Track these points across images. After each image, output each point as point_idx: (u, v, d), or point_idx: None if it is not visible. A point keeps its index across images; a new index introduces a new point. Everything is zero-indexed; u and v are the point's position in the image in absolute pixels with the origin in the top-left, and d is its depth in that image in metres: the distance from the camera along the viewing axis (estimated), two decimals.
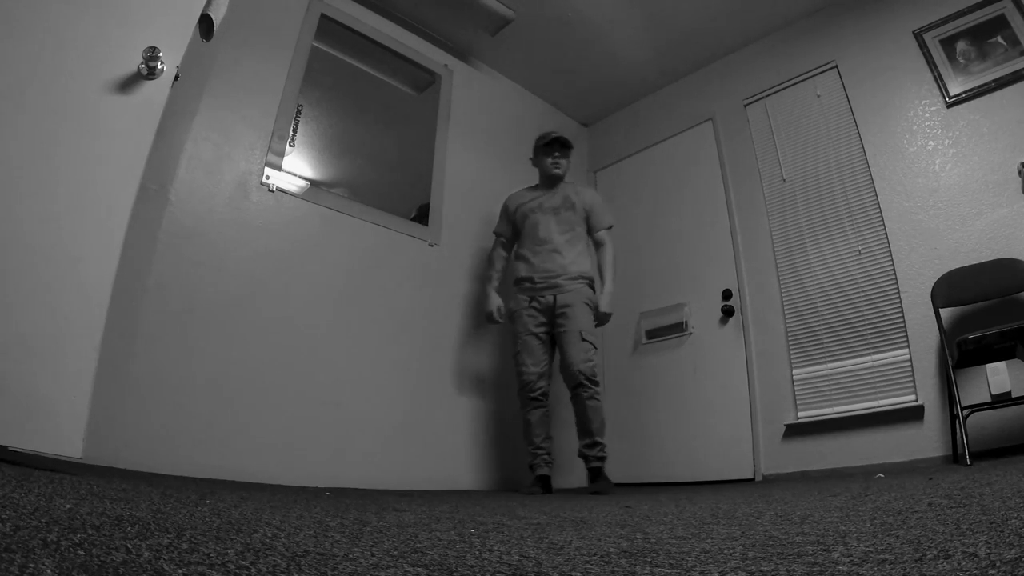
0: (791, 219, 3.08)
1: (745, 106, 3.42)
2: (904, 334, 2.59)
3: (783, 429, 2.83)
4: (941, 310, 2.42)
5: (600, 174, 4.10)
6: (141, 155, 1.55)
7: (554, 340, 2.62)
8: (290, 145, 2.61)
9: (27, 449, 1.27)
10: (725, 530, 0.90)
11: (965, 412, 2.15)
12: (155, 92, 1.58)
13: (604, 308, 2.61)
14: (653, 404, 3.32)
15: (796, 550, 0.66)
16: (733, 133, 3.43)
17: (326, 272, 2.57)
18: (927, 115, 2.75)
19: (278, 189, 2.51)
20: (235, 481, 1.97)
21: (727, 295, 3.17)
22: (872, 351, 2.67)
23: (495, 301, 2.71)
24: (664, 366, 3.34)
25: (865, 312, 2.73)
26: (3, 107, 1.37)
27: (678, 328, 3.32)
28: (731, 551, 0.69)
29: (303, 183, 2.62)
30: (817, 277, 2.92)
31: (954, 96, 2.67)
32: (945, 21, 2.75)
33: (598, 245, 2.75)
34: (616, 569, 0.59)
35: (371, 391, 2.58)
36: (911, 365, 2.54)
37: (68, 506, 0.76)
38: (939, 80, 2.72)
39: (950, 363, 2.23)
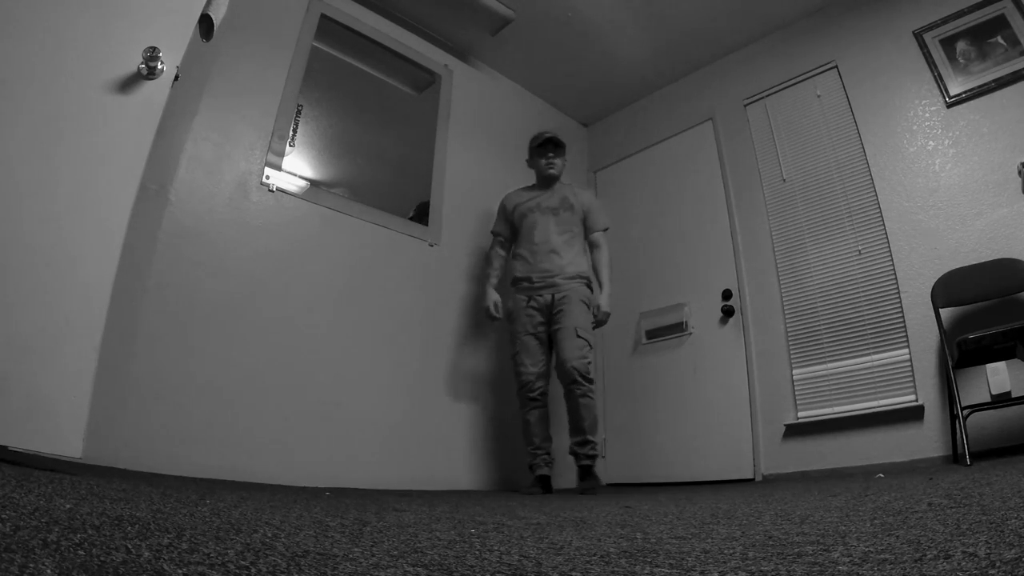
0: (791, 219, 3.08)
1: (745, 106, 3.42)
2: (904, 334, 2.59)
3: (783, 429, 2.83)
4: (941, 310, 2.42)
5: (600, 174, 4.10)
6: (141, 155, 1.55)
7: (552, 339, 2.62)
8: (290, 145, 2.61)
9: (27, 449, 1.27)
10: (725, 530, 0.90)
11: (965, 412, 2.15)
12: (155, 92, 1.58)
13: (604, 308, 2.63)
14: (653, 404, 3.32)
15: (796, 550, 0.66)
16: (733, 133, 3.43)
17: (326, 272, 2.57)
18: (927, 115, 2.75)
19: (278, 189, 2.51)
20: (235, 481, 1.97)
21: (727, 295, 3.17)
22: (872, 351, 2.67)
23: (492, 296, 2.72)
24: (664, 366, 3.34)
25: (865, 312, 2.73)
26: (3, 107, 1.37)
27: (678, 328, 3.32)
28: (731, 551, 0.69)
29: (303, 183, 2.62)
30: (817, 277, 2.92)
31: (954, 96, 2.67)
32: (945, 21, 2.75)
33: (594, 246, 2.77)
34: (616, 569, 0.59)
35: (371, 391, 2.58)
36: (911, 365, 2.54)
37: (68, 506, 0.76)
38: (939, 80, 2.72)
39: (950, 363, 2.23)
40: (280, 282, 2.41)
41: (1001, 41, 2.59)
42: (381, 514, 1.17)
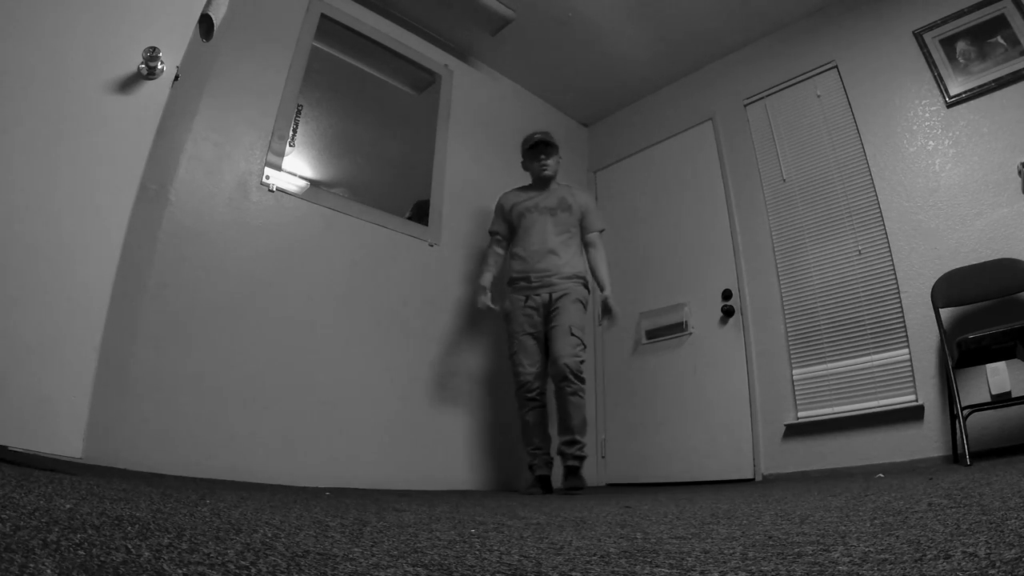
0: (791, 219, 3.08)
1: (745, 106, 3.42)
2: (904, 334, 2.59)
3: (783, 429, 2.83)
4: (941, 310, 2.42)
5: (600, 174, 4.10)
6: (141, 155, 1.55)
7: (547, 338, 2.62)
8: (290, 145, 2.61)
9: (27, 449, 1.27)
10: (725, 530, 0.90)
11: (965, 412, 2.15)
12: (155, 92, 1.58)
13: (614, 305, 2.64)
14: (653, 404, 3.32)
15: (796, 550, 0.66)
16: (733, 133, 3.43)
17: (326, 272, 2.57)
18: (927, 115, 2.75)
19: (278, 189, 2.51)
20: (235, 481, 1.98)
21: (727, 295, 3.17)
22: (872, 351, 2.67)
23: (486, 279, 2.70)
24: (664, 366, 3.34)
25: (865, 312, 2.73)
26: (3, 107, 1.37)
27: (678, 328, 3.32)
28: (731, 551, 0.69)
29: (303, 183, 2.62)
30: (817, 277, 2.92)
31: (954, 96, 2.67)
32: (945, 21, 2.75)
33: (591, 246, 2.78)
34: (616, 569, 0.59)
35: (371, 391, 2.58)
36: (911, 365, 2.54)
37: (68, 506, 0.76)
38: (939, 80, 2.72)
39: (950, 363, 2.23)
40: (280, 282, 2.41)
41: (1001, 41, 2.59)
42: (381, 514, 1.17)
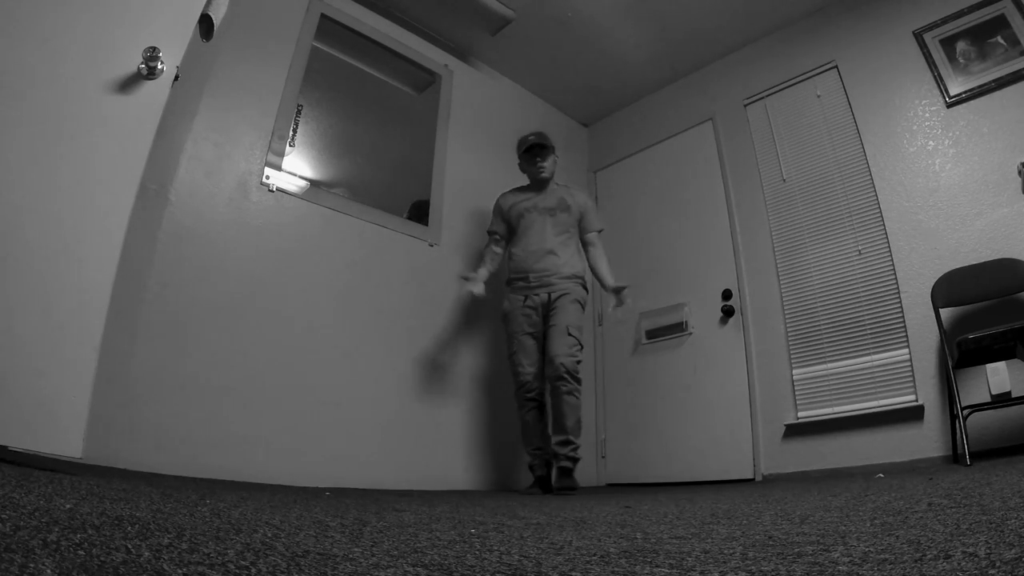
0: (791, 219, 3.08)
1: (745, 106, 3.42)
2: (904, 334, 2.59)
3: (783, 429, 2.83)
4: (941, 310, 2.42)
5: (600, 174, 4.10)
6: (141, 155, 1.55)
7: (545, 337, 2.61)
8: (290, 145, 2.61)
9: (27, 449, 1.27)
10: (725, 530, 0.90)
11: (965, 412, 2.15)
12: (155, 92, 1.58)
13: (626, 296, 2.61)
14: (653, 404, 3.32)
15: (796, 550, 0.66)
16: (733, 133, 3.43)
17: (326, 272, 2.57)
18: (927, 115, 2.75)
19: (278, 189, 2.51)
20: (235, 481, 1.98)
21: (727, 295, 3.17)
22: (872, 351, 2.67)
23: (481, 273, 2.67)
24: (664, 366, 3.34)
25: (865, 312, 2.73)
26: (3, 107, 1.37)
27: (678, 328, 3.32)
28: (731, 551, 0.69)
29: (303, 183, 2.62)
30: (817, 277, 2.92)
31: (954, 96, 2.67)
32: (945, 21, 2.75)
33: (591, 245, 2.77)
34: (616, 569, 0.59)
35: (371, 391, 2.58)
36: (911, 365, 2.54)
37: (68, 506, 0.76)
38: (939, 80, 2.72)
39: (950, 363, 2.23)
40: (280, 282, 2.41)
41: (1001, 41, 2.59)
42: (381, 514, 1.17)
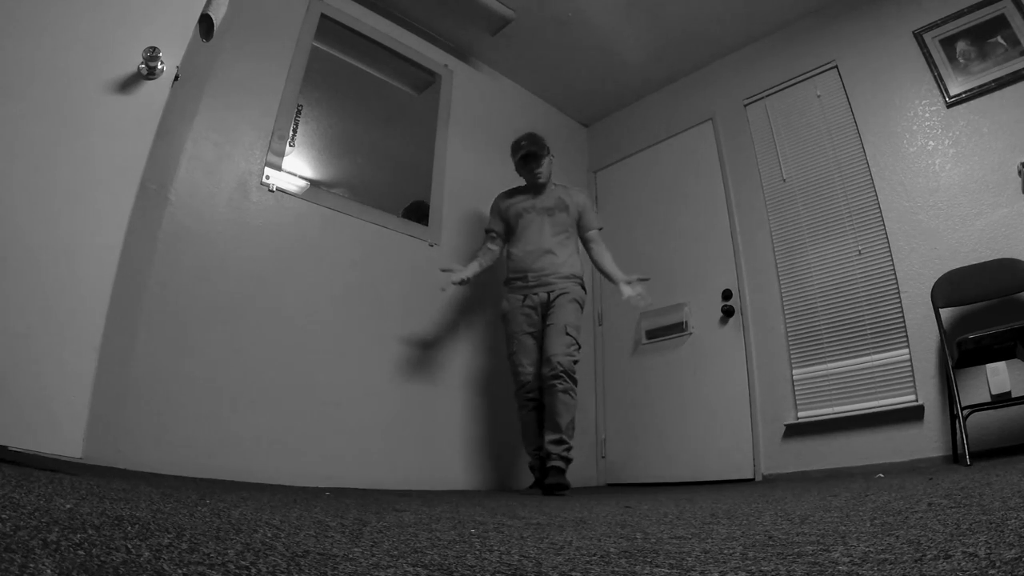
0: (791, 219, 3.08)
1: (745, 106, 3.42)
2: (904, 334, 2.59)
3: (783, 429, 2.83)
4: (941, 310, 2.42)
5: (600, 174, 4.10)
6: (141, 155, 1.55)
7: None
8: (290, 145, 2.61)
9: (27, 449, 1.27)
10: (725, 530, 0.90)
11: (965, 412, 2.15)
12: (155, 92, 1.58)
13: (637, 277, 2.58)
14: (653, 404, 3.32)
15: (796, 550, 0.66)
16: (733, 133, 3.43)
17: (326, 272, 2.57)
18: (927, 115, 2.75)
19: (278, 189, 2.51)
20: (235, 481, 1.97)
21: (727, 295, 3.17)
22: (872, 351, 2.67)
23: (471, 267, 2.64)
24: (664, 366, 3.34)
25: (865, 312, 2.73)
26: (3, 107, 1.37)
27: (678, 328, 3.32)
28: (731, 551, 0.69)
29: (303, 183, 2.62)
30: (817, 277, 2.92)
31: (954, 96, 2.67)
32: (945, 21, 2.75)
33: (591, 243, 2.75)
34: (616, 569, 0.59)
35: (371, 391, 2.58)
36: (911, 365, 2.54)
37: (68, 506, 0.76)
38: (939, 80, 2.72)
39: (950, 363, 2.23)
40: (280, 282, 2.41)
41: (1001, 41, 2.59)
42: (381, 514, 1.17)
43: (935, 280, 2.47)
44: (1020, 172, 2.40)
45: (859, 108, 2.95)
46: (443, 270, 2.61)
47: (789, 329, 2.95)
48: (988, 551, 0.55)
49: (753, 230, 3.19)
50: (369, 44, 3.11)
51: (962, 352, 2.13)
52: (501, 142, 3.49)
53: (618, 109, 4.14)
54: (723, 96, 3.53)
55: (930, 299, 2.46)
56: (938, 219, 2.60)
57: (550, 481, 2.31)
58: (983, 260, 2.41)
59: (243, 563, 0.53)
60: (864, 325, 2.72)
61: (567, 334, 2.48)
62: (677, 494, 2.04)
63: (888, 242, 2.71)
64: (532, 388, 2.54)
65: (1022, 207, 2.38)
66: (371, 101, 3.11)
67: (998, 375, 2.31)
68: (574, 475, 2.78)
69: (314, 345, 2.44)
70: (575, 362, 2.48)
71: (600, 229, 2.80)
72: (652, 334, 3.44)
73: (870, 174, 2.84)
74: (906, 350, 2.57)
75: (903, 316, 2.60)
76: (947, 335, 2.37)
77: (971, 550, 0.56)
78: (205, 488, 1.48)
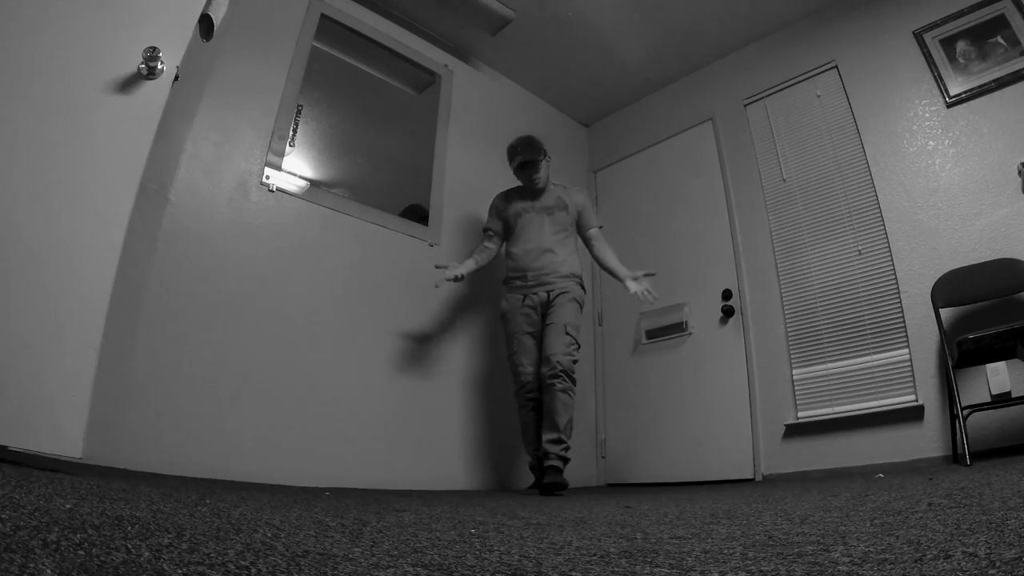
0: (791, 219, 3.08)
1: (745, 106, 3.42)
2: (904, 334, 2.59)
3: (783, 429, 2.83)
4: (941, 310, 2.42)
5: (600, 174, 4.10)
6: (141, 155, 1.55)
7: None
8: (290, 145, 2.61)
9: (27, 449, 1.27)
10: (725, 530, 0.90)
11: (965, 412, 2.15)
12: (155, 92, 1.58)
13: (641, 273, 2.59)
14: (653, 404, 3.32)
15: (796, 550, 0.66)
16: (733, 133, 3.43)
17: (326, 272, 2.57)
18: (927, 115, 2.75)
19: (278, 189, 2.51)
20: (235, 481, 1.97)
21: (727, 295, 3.17)
22: (872, 351, 2.67)
23: (467, 264, 2.63)
24: (664, 366, 3.34)
25: (865, 312, 2.73)
26: (3, 107, 1.37)
27: (678, 328, 3.32)
28: (731, 551, 0.69)
29: (303, 183, 2.62)
30: (817, 277, 2.92)
31: (954, 96, 2.67)
32: (945, 21, 2.75)
33: (592, 241, 2.75)
34: (616, 569, 0.59)
35: (371, 391, 2.58)
36: (911, 365, 2.54)
37: (68, 506, 0.76)
38: (939, 80, 2.72)
39: (950, 363, 2.23)
40: (280, 282, 2.41)
41: (1001, 41, 2.59)
42: (381, 514, 1.17)
43: (935, 280, 2.47)
44: (1020, 172, 2.40)
45: (859, 108, 2.95)
46: (438, 267, 2.61)
47: (789, 329, 2.95)
48: (988, 551, 0.55)
49: (753, 230, 3.19)
50: (369, 44, 3.11)
51: (962, 352, 2.13)
52: (501, 142, 3.48)
53: (618, 109, 4.14)
54: (723, 96, 3.53)
55: (930, 299, 2.46)
56: (938, 219, 2.60)
57: (548, 480, 2.29)
58: (983, 260, 2.41)
59: (243, 563, 0.53)
60: (864, 325, 2.72)
61: (567, 333, 2.48)
62: (677, 494, 2.04)
63: (888, 242, 2.71)
64: (532, 388, 2.54)
65: (1022, 207, 2.38)
66: (371, 101, 3.11)
67: (998, 375, 2.31)
68: (574, 475, 2.79)
69: (314, 345, 2.44)
70: (574, 361, 2.47)
71: (600, 227, 2.80)
72: (652, 334, 3.44)
73: (870, 174, 2.84)
74: (906, 350, 2.57)
75: (903, 316, 2.60)
76: (947, 335, 2.37)
77: (971, 550, 0.56)
78: (205, 488, 1.48)
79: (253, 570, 0.51)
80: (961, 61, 2.69)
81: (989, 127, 2.54)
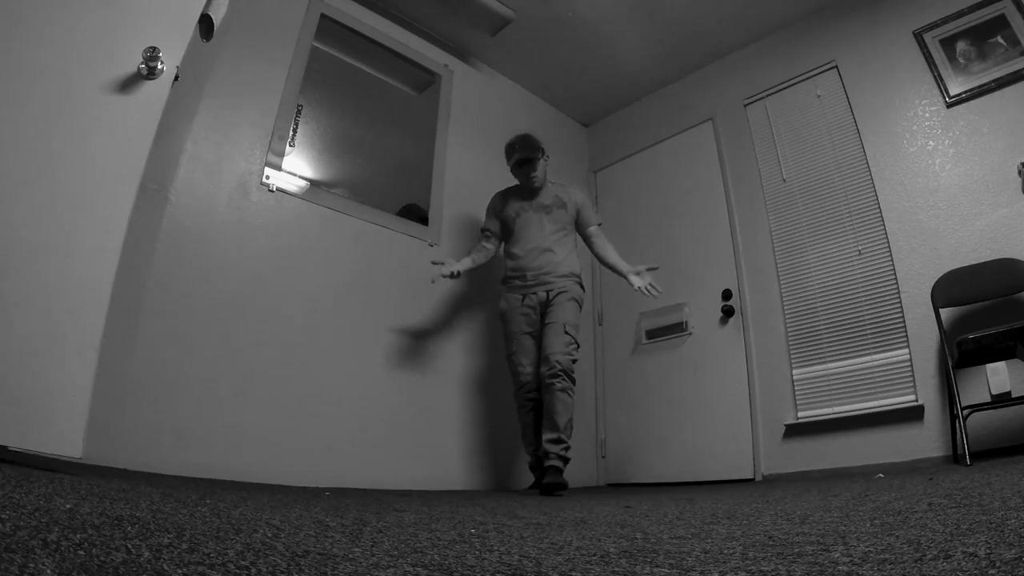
0: (791, 219, 3.08)
1: (745, 106, 3.42)
2: (904, 334, 2.59)
3: (783, 429, 2.83)
4: (941, 310, 2.42)
5: (600, 174, 4.10)
6: (141, 155, 1.55)
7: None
8: (290, 145, 2.61)
9: (27, 449, 1.27)
10: (725, 530, 0.90)
11: (965, 412, 2.15)
12: (155, 92, 1.58)
13: (644, 267, 2.59)
14: (653, 404, 3.32)
15: (796, 550, 0.66)
16: (733, 133, 3.43)
17: (326, 272, 2.57)
18: (927, 115, 2.75)
19: (278, 189, 2.51)
20: (235, 481, 1.97)
21: (727, 295, 3.17)
22: (872, 351, 2.67)
23: (464, 262, 2.62)
24: (664, 366, 3.34)
25: (865, 312, 2.73)
26: (4, 107, 1.37)
27: (678, 328, 3.32)
28: (731, 551, 0.69)
29: (303, 183, 2.62)
30: (817, 277, 2.92)
31: (954, 96, 2.67)
32: (945, 21, 2.75)
33: (593, 238, 2.73)
34: (616, 569, 0.59)
35: (371, 391, 2.58)
36: (911, 365, 2.54)
37: (68, 506, 0.76)
38: (939, 80, 2.72)
39: (950, 363, 2.23)
40: (280, 282, 2.41)
41: (1001, 41, 2.59)
42: (381, 514, 1.17)
43: (935, 280, 2.47)
44: (1020, 172, 2.40)
45: (859, 108, 2.95)
46: (434, 262, 2.61)
47: (789, 329, 2.95)
48: (988, 551, 0.55)
49: (753, 230, 3.19)
50: (369, 44, 3.11)
51: (962, 352, 2.13)
52: (501, 142, 3.47)
53: (618, 109, 4.14)
54: (723, 96, 3.53)
55: (930, 299, 2.46)
56: (938, 219, 2.60)
57: (548, 481, 2.29)
58: (983, 260, 2.41)
59: (243, 563, 0.53)
60: (864, 325, 2.72)
61: (566, 333, 2.47)
62: (677, 494, 2.04)
63: (888, 242, 2.71)
64: (531, 388, 2.54)
65: (1022, 207, 2.38)
66: (371, 101, 3.11)
67: (998, 375, 2.31)
68: (574, 475, 2.79)
69: (314, 345, 2.44)
70: (574, 361, 2.47)
71: (600, 224, 2.79)
72: (652, 334, 3.44)
73: (870, 174, 2.84)
74: (906, 350, 2.57)
75: (903, 316, 2.60)
76: (947, 335, 2.37)
77: (971, 550, 0.56)
78: (205, 488, 1.48)
79: (253, 570, 0.51)
80: (961, 61, 2.69)
81: (989, 127, 2.54)
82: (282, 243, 2.46)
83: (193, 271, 2.18)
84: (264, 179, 2.47)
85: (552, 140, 3.47)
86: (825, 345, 2.81)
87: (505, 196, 2.80)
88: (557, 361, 2.41)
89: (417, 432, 2.69)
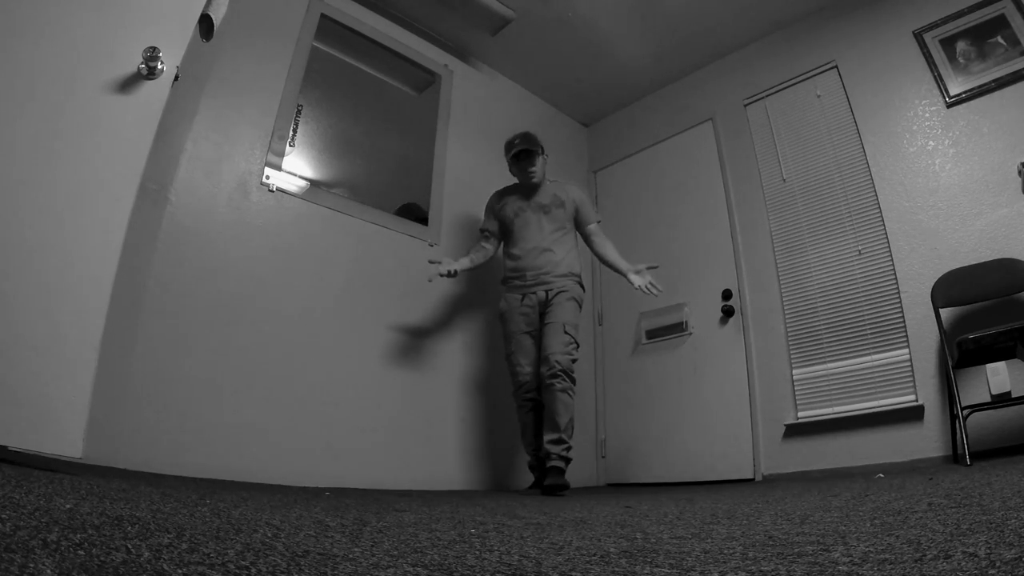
0: (791, 219, 3.08)
1: (745, 106, 3.42)
2: (904, 334, 2.59)
3: (783, 429, 2.83)
4: (941, 310, 2.42)
5: (600, 174, 4.10)
6: (141, 155, 1.55)
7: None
8: (290, 145, 2.61)
9: (27, 449, 1.27)
10: (725, 530, 0.90)
11: (965, 412, 2.15)
12: (155, 92, 1.58)
13: (645, 266, 2.58)
14: (653, 404, 3.32)
15: (796, 550, 0.66)
16: (733, 133, 3.43)
17: (326, 272, 2.57)
18: (927, 115, 2.75)
19: (278, 189, 2.51)
20: (235, 481, 1.97)
21: (727, 295, 3.17)
22: (872, 351, 2.67)
23: (462, 261, 2.62)
24: (664, 366, 3.34)
25: (865, 312, 2.73)
26: (4, 107, 1.37)
27: (678, 328, 3.32)
28: (731, 551, 0.69)
29: (303, 183, 2.62)
30: (817, 277, 2.92)
31: (954, 96, 2.67)
32: (945, 21, 2.75)
33: (592, 236, 2.72)
34: (616, 569, 0.59)
35: (371, 391, 2.58)
36: (911, 365, 2.54)
37: (68, 506, 0.76)
38: (939, 80, 2.72)
39: (950, 363, 2.23)
40: (280, 282, 2.41)
41: (1001, 41, 2.59)
42: (381, 514, 1.17)
43: (935, 280, 2.47)
44: (1020, 172, 2.40)
45: (859, 108, 2.95)
46: (431, 261, 2.60)
47: (789, 329, 2.95)
48: (988, 551, 0.55)
49: (753, 230, 3.19)
50: (369, 44, 3.11)
51: (962, 352, 2.13)
52: (501, 142, 3.46)
53: (618, 109, 4.14)
54: (723, 96, 3.53)
55: (930, 299, 2.46)
56: (938, 219, 2.60)
57: (549, 482, 2.28)
58: (983, 260, 2.41)
59: (243, 563, 0.53)
60: (864, 325, 2.72)
61: (565, 332, 2.46)
62: (677, 494, 2.04)
63: (888, 242, 2.71)
64: (531, 388, 2.53)
65: (1022, 207, 2.38)
66: (371, 101, 3.11)
67: (998, 375, 2.31)
68: (574, 475, 2.78)
69: (314, 345, 2.44)
70: (574, 361, 2.46)
71: (599, 222, 2.78)
72: (652, 334, 3.44)
73: (870, 174, 2.84)
74: (906, 350, 2.57)
75: (903, 316, 2.60)
76: (947, 335, 2.37)
77: (971, 550, 0.56)
78: (205, 488, 1.48)
79: (253, 570, 0.51)
80: (961, 61, 2.69)
81: (989, 127, 2.54)
82: (282, 243, 2.46)
83: (193, 271, 2.18)
84: (264, 179, 2.47)
85: (552, 140, 3.47)
86: (825, 345, 2.81)
87: (503, 195, 2.79)
88: (557, 361, 2.40)
89: (417, 432, 2.69)
